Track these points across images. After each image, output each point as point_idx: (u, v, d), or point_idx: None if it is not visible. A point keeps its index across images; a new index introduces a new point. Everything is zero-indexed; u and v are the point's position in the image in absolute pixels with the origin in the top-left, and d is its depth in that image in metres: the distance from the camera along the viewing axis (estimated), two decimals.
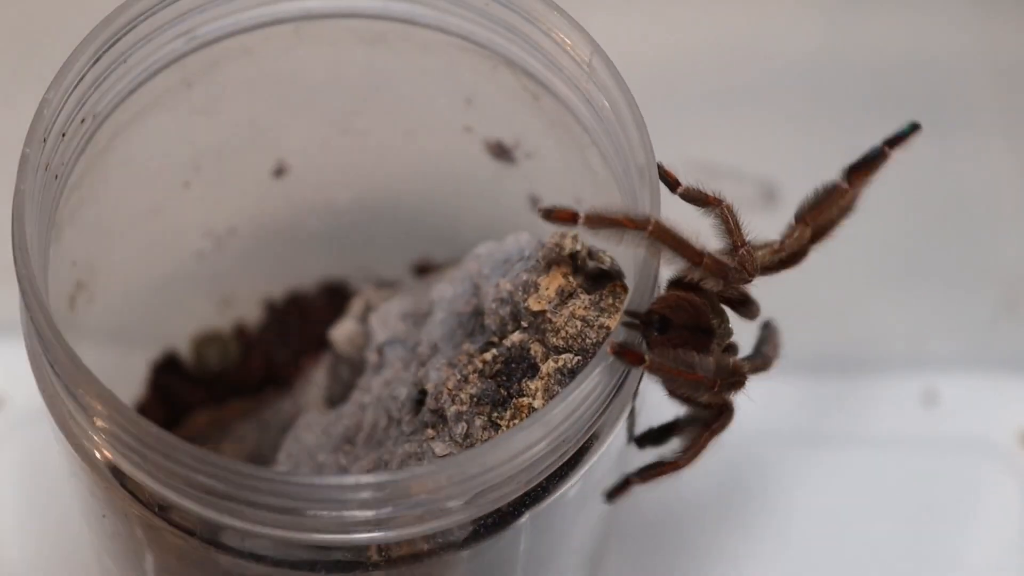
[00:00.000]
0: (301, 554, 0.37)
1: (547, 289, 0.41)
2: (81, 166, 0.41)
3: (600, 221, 0.38)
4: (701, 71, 0.53)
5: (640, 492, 0.43)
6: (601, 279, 0.42)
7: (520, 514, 0.38)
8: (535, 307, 0.41)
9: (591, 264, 0.42)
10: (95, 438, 0.37)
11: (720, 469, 0.64)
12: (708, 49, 0.53)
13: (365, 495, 0.35)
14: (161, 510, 0.38)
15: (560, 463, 0.38)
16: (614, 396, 0.39)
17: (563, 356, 0.41)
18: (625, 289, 0.42)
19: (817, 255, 0.61)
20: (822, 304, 0.64)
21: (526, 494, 0.38)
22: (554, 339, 0.41)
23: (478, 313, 0.44)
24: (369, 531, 0.36)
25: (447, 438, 0.41)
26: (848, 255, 0.61)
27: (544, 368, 0.41)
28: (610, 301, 0.41)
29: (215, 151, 0.48)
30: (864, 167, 0.43)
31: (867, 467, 0.64)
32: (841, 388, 0.65)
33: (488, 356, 0.42)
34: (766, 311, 0.61)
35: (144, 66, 0.41)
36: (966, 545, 0.63)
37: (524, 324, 0.42)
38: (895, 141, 0.43)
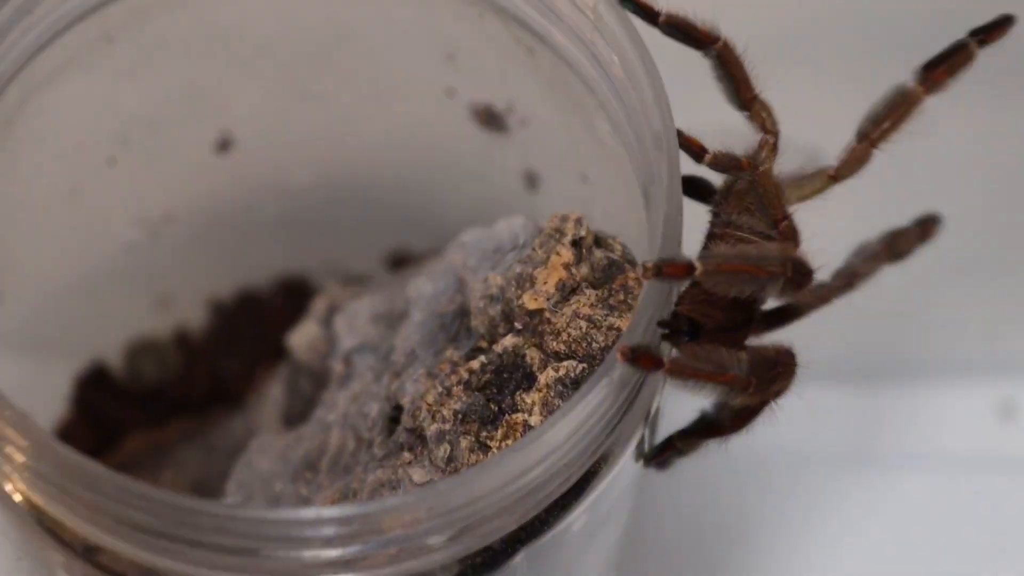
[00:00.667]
0: None
1: (545, 283, 0.41)
2: None
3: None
4: (726, 18, 0.53)
5: (667, 520, 0.44)
6: (611, 270, 0.42)
7: (514, 552, 0.38)
8: (531, 305, 0.41)
9: (598, 253, 0.42)
10: (5, 469, 0.37)
11: (755, 493, 0.64)
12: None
13: (329, 531, 0.35)
14: (87, 552, 0.38)
15: (562, 491, 0.38)
16: (627, 410, 0.38)
17: (565, 363, 0.41)
18: (639, 282, 0.41)
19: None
20: (876, 298, 0.64)
21: (521, 528, 0.38)
22: (554, 343, 0.41)
23: (463, 313, 0.44)
24: (335, 573, 0.36)
25: (427, 463, 0.41)
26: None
27: (542, 378, 0.41)
28: (621, 297, 0.41)
29: (145, 121, 0.48)
30: (943, 65, 0.41)
31: (932, 490, 0.65)
32: (900, 398, 0.66)
33: (475, 364, 0.42)
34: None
35: (55, 16, 0.41)
36: None
37: (518, 326, 0.41)
38: (983, 33, 0.41)
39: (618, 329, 0.41)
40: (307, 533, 0.35)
